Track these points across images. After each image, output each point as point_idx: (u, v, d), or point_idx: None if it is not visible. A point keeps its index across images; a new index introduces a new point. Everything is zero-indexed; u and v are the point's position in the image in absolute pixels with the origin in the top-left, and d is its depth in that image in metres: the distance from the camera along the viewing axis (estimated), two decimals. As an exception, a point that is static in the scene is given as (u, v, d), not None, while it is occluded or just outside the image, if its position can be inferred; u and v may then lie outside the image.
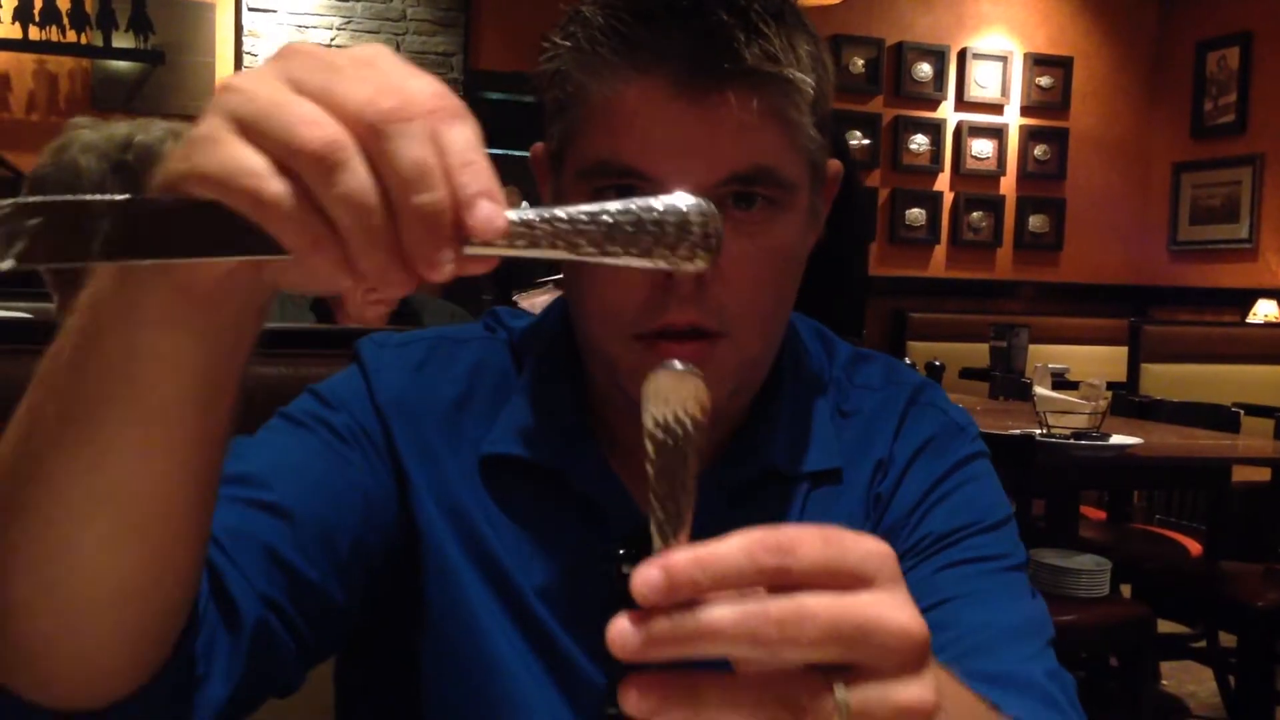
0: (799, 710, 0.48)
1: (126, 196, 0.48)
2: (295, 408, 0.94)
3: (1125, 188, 7.60)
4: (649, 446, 0.49)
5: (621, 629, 0.47)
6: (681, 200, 0.51)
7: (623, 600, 0.92)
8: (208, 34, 5.96)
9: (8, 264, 0.46)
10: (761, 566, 0.48)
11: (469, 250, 0.49)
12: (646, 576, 0.47)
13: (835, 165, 0.95)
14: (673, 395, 0.49)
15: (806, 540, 0.49)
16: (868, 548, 0.50)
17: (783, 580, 0.48)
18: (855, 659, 0.49)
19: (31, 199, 0.47)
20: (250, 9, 6.01)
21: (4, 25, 5.60)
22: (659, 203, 0.51)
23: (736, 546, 0.48)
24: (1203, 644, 3.97)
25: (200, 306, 0.56)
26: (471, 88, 6.14)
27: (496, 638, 0.91)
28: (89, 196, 0.47)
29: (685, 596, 0.47)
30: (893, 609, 0.49)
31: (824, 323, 1.06)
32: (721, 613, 0.47)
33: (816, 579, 0.48)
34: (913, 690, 0.50)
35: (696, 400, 0.49)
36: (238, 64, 5.98)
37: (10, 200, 0.47)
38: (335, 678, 1.05)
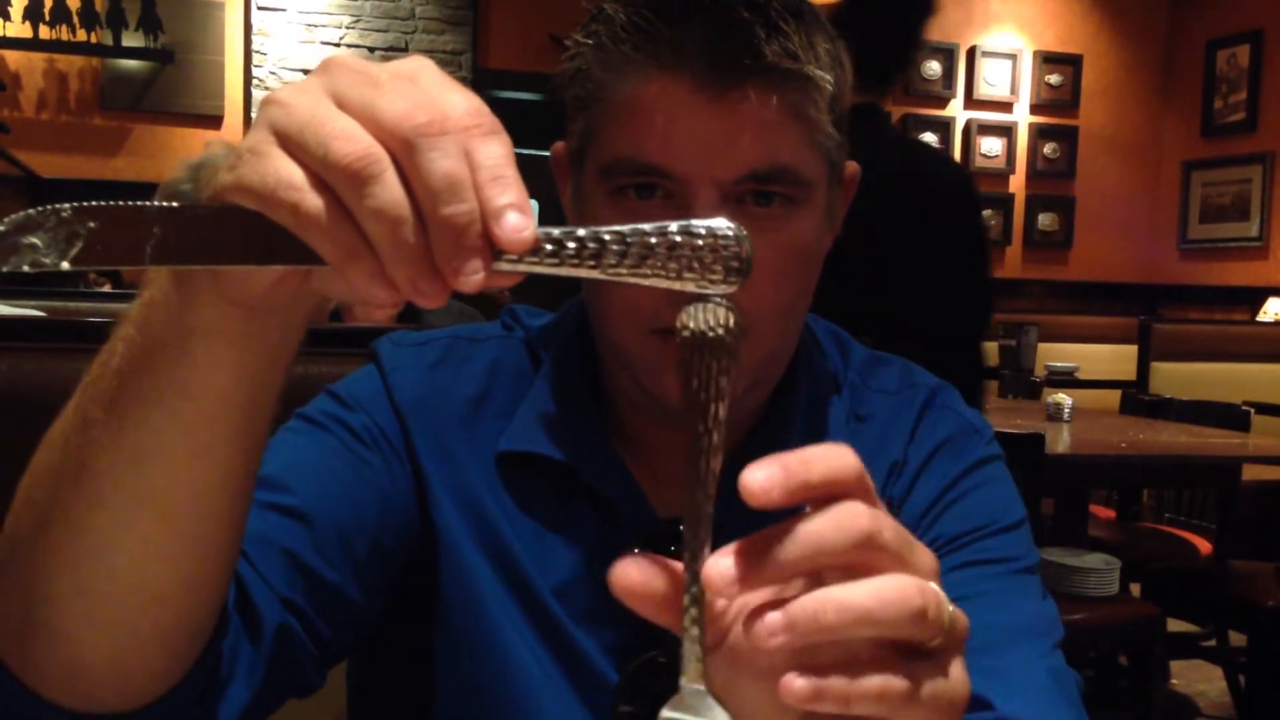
0: (925, 594, 0.50)
1: (177, 204, 0.50)
2: (313, 408, 0.94)
3: (1135, 186, 7.59)
4: (680, 367, 0.51)
5: (717, 565, 0.49)
6: (712, 223, 0.52)
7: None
8: (217, 33, 5.97)
9: (64, 264, 0.48)
10: (854, 465, 0.51)
11: (499, 265, 0.50)
12: (755, 475, 0.49)
13: (853, 167, 0.95)
14: (703, 313, 0.51)
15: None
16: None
17: (863, 485, 0.52)
18: (911, 571, 0.51)
19: (89, 204, 0.49)
20: (259, 8, 6.02)
21: (14, 24, 5.61)
22: (690, 225, 0.52)
23: (826, 447, 0.51)
24: (1212, 643, 3.96)
25: (249, 316, 0.58)
26: (480, 86, 6.15)
27: (510, 634, 0.91)
28: (143, 203, 0.50)
29: (798, 494, 0.49)
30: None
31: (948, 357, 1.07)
32: (815, 523, 0.49)
33: (869, 498, 0.52)
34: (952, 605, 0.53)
35: (726, 317, 0.51)
36: (247, 63, 6.00)
37: (70, 204, 0.49)
38: (348, 675, 1.05)
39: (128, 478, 0.61)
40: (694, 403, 0.51)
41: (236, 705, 0.76)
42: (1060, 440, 3.42)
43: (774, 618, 0.48)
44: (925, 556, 0.52)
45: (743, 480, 0.49)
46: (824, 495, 0.50)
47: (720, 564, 0.49)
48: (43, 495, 0.64)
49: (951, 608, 0.52)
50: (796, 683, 0.48)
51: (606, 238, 0.51)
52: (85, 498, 0.62)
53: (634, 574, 0.52)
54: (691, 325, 0.51)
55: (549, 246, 0.51)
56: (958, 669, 0.52)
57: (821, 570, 0.50)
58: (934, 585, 0.51)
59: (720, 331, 0.51)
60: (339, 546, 0.86)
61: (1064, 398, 3.79)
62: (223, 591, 0.70)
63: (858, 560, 0.50)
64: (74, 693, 0.67)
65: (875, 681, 0.48)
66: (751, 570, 0.49)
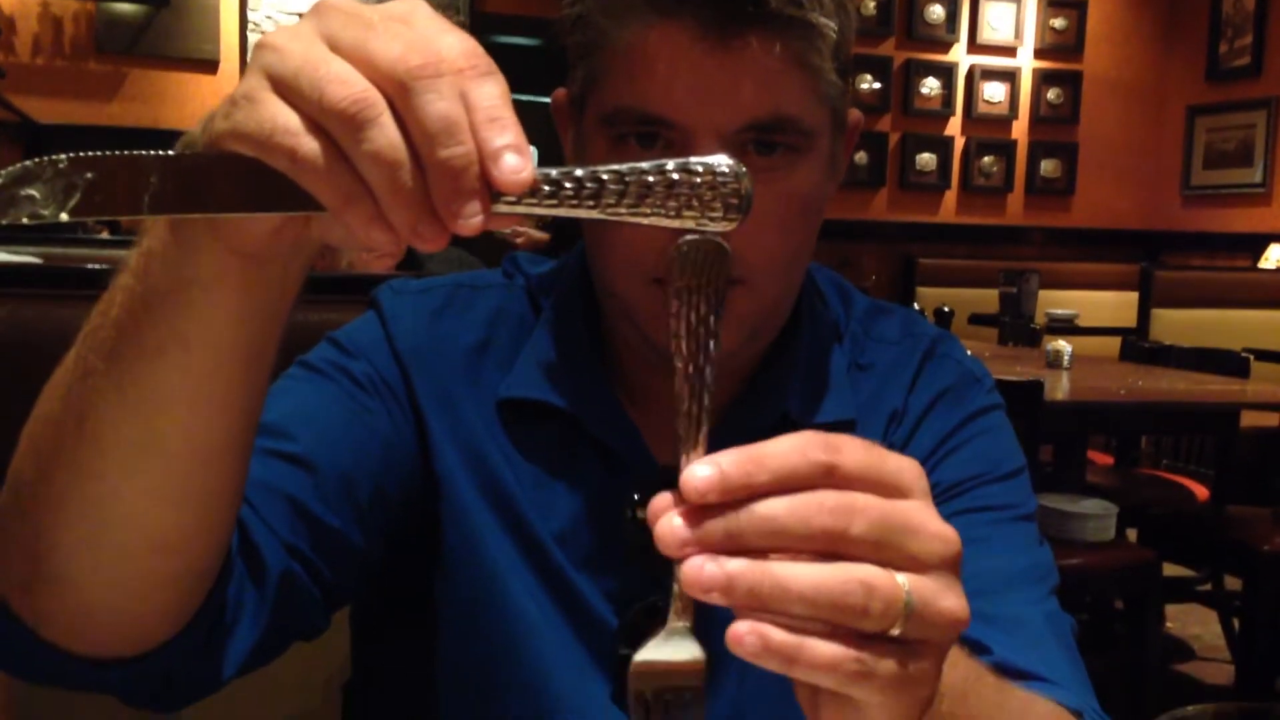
0: (870, 590, 0.49)
1: (173, 153, 0.50)
2: (315, 356, 0.94)
3: (1139, 131, 7.53)
4: (674, 272, 0.51)
5: (669, 524, 0.48)
6: (712, 160, 0.52)
7: (637, 545, 0.93)
8: (212, -24, 5.89)
9: (63, 216, 0.48)
10: (813, 460, 0.49)
11: (498, 208, 0.50)
12: (696, 474, 0.48)
13: (855, 114, 0.94)
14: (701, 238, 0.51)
15: (850, 444, 0.51)
16: (902, 461, 0.52)
17: (830, 479, 0.50)
18: (899, 561, 0.50)
19: (86, 154, 0.49)
20: (255, -50, 5.94)
21: (7, -33, 5.54)
22: (689, 163, 0.51)
23: (789, 444, 0.50)
24: (1208, 587, 4.00)
25: (249, 265, 0.58)
26: (478, 31, 6.09)
27: (511, 580, 0.92)
28: (139, 153, 0.49)
29: (739, 494, 0.48)
30: (931, 516, 0.52)
31: None
32: (776, 503, 0.48)
33: (860, 482, 0.50)
34: (952, 599, 0.52)
35: (722, 241, 0.51)
36: (242, 7, 5.92)
37: (65, 155, 0.49)
38: (352, 619, 1.06)
39: (130, 427, 0.61)
40: (683, 340, 0.51)
41: (242, 648, 0.76)
42: (1059, 387, 3.42)
43: (713, 572, 0.47)
44: (927, 543, 0.51)
45: (684, 477, 0.48)
46: (777, 492, 0.49)
47: (674, 524, 0.48)
48: (46, 445, 0.64)
49: (945, 602, 0.51)
50: (747, 638, 0.47)
51: (605, 177, 0.51)
52: (88, 447, 0.62)
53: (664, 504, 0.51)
54: (686, 243, 0.51)
55: (547, 187, 0.51)
56: (925, 663, 0.51)
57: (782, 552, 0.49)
58: (896, 579, 0.49)
59: (718, 244, 0.51)
60: (342, 493, 0.86)
61: (1064, 345, 3.79)
62: (227, 537, 0.71)
63: (823, 550, 0.49)
64: (81, 639, 0.68)
65: (824, 652, 0.48)
66: (703, 544, 0.48)
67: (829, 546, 0.49)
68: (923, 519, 0.51)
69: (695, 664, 0.52)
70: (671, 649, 0.52)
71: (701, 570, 0.48)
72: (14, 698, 1.08)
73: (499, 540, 0.92)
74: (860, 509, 0.49)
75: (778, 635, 0.48)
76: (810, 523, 0.48)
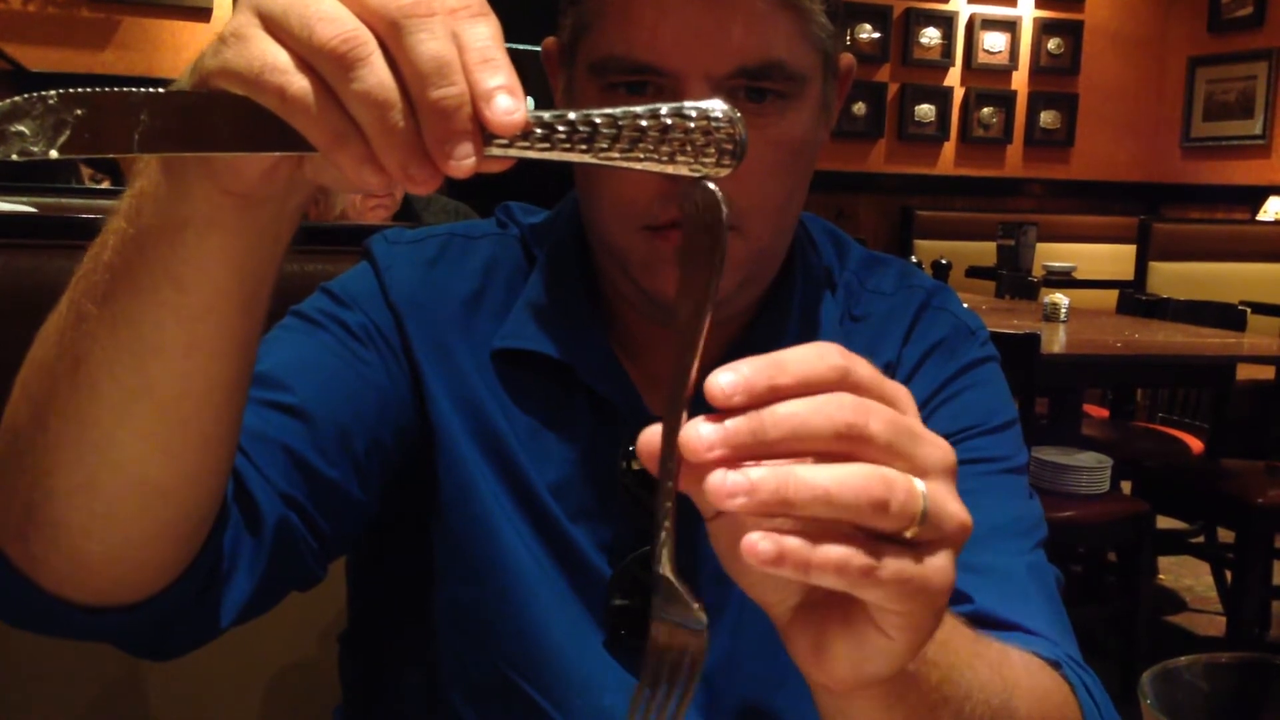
0: (891, 485, 0.50)
1: (164, 90, 0.50)
2: (309, 306, 0.94)
3: (1139, 83, 7.48)
4: (681, 250, 0.51)
5: (695, 429, 0.48)
6: (706, 105, 0.51)
7: (629, 495, 0.94)
8: (205, -79, 5.81)
9: (53, 153, 0.48)
10: (831, 365, 0.50)
11: (491, 150, 0.50)
12: (720, 379, 0.48)
13: (848, 59, 0.94)
14: (700, 193, 0.51)
15: (857, 358, 0.52)
16: (898, 384, 0.54)
17: (844, 384, 0.51)
18: (907, 466, 0.51)
19: (76, 90, 0.48)
20: (248, -105, 5.85)
21: (-3, -88, 5.47)
22: (683, 107, 0.51)
23: (808, 350, 0.51)
24: (1201, 539, 4.02)
25: (242, 206, 0.57)
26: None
27: (506, 529, 0.92)
28: (129, 89, 0.49)
29: (763, 396, 0.49)
30: (926, 428, 0.53)
31: None
32: (799, 403, 0.49)
33: (868, 390, 0.51)
34: (957, 504, 0.53)
35: (717, 200, 0.51)
36: (236, -47, 5.86)
37: (55, 91, 0.48)
38: (348, 568, 1.07)
39: (124, 371, 0.61)
40: (690, 285, 0.51)
41: (239, 597, 0.77)
42: (1056, 340, 3.43)
43: (736, 478, 0.48)
44: (930, 450, 0.52)
45: (707, 383, 0.48)
46: (798, 395, 0.50)
47: (700, 429, 0.48)
48: (40, 391, 0.64)
49: (952, 506, 0.52)
50: (761, 544, 0.48)
51: (598, 120, 0.50)
52: (82, 392, 0.62)
53: (657, 440, 0.51)
54: (693, 204, 0.51)
55: (539, 130, 0.50)
56: (938, 561, 0.52)
57: (803, 455, 0.50)
58: (914, 481, 0.50)
59: (715, 212, 0.51)
60: (338, 444, 0.86)
61: (1060, 298, 3.79)
62: (221, 485, 0.71)
63: (842, 450, 0.49)
64: (77, 586, 0.68)
65: (835, 553, 0.49)
66: (730, 443, 0.48)
67: (848, 446, 0.49)
68: (922, 428, 0.52)
69: (700, 630, 0.52)
70: (677, 612, 0.52)
71: (725, 478, 0.48)
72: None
73: (494, 490, 0.92)
74: (875, 410, 0.50)
75: (792, 540, 0.48)
76: (834, 418, 0.49)
